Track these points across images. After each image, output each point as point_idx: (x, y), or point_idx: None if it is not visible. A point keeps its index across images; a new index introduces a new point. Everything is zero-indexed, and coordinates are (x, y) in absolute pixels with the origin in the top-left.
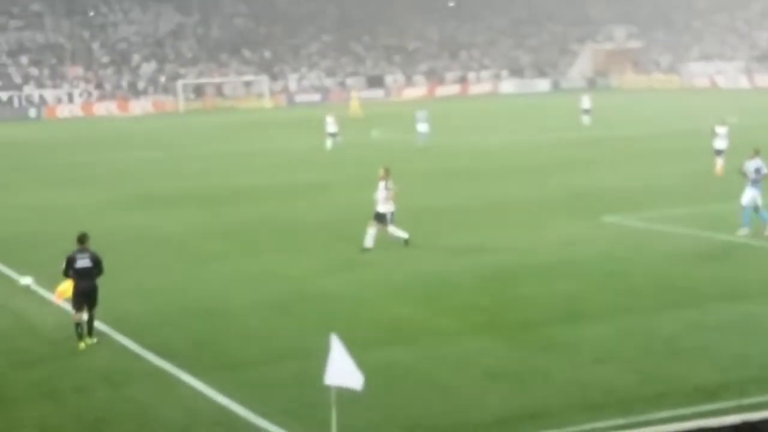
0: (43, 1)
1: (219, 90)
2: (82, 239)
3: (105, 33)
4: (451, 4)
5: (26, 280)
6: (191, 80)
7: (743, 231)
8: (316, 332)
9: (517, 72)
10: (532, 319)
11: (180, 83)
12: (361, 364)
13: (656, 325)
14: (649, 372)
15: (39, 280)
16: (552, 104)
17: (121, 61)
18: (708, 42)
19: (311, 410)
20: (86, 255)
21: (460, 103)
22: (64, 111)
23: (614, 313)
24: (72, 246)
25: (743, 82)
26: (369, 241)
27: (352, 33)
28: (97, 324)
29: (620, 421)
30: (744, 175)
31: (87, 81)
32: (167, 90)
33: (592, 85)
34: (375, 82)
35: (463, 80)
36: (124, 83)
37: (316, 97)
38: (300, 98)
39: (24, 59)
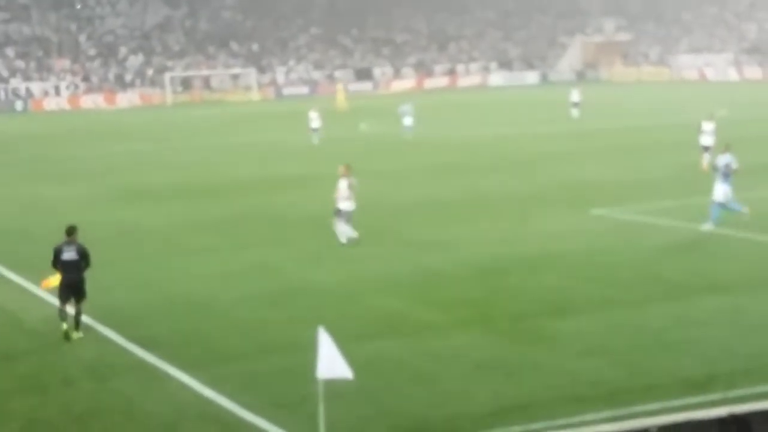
0: None
1: (206, 83)
2: (69, 231)
3: (92, 25)
4: None
5: None
6: (179, 73)
7: (708, 226)
8: (305, 325)
9: (505, 64)
10: (521, 311)
11: (167, 76)
12: (350, 357)
13: (644, 318)
14: (637, 364)
15: (26, 274)
16: (541, 97)
17: (108, 53)
18: (697, 34)
19: (299, 403)
20: (73, 247)
21: (449, 96)
22: (50, 104)
23: (602, 305)
24: (59, 239)
25: (732, 75)
26: (342, 237)
27: (341, 25)
28: (84, 317)
29: (608, 414)
30: (715, 170)
31: (74, 74)
32: (154, 83)
33: (581, 77)
34: (363, 74)
35: (451, 73)
36: (111, 76)
37: (304, 89)
38: (288, 91)
39: (10, 52)
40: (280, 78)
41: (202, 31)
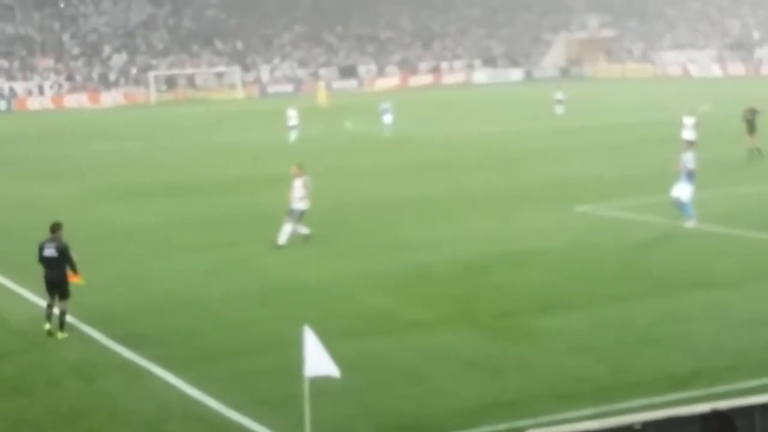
0: None
1: (191, 81)
2: (53, 228)
3: (75, 24)
4: None
5: None
6: (163, 72)
7: (691, 222)
8: (291, 324)
9: (490, 62)
10: (507, 308)
11: (151, 75)
12: (337, 355)
13: (630, 314)
14: (622, 361)
15: (11, 274)
16: (525, 94)
17: (91, 52)
18: (680, 30)
19: (285, 402)
20: (53, 244)
21: (434, 93)
22: (34, 103)
23: (588, 302)
24: (44, 239)
25: (715, 71)
26: (303, 230)
27: (325, 23)
28: (69, 317)
29: (594, 410)
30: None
31: (57, 73)
32: (138, 82)
33: (565, 74)
34: (348, 72)
35: (436, 70)
36: (95, 75)
37: (288, 87)
38: (272, 89)
39: None
40: (265, 76)
41: (186, 29)
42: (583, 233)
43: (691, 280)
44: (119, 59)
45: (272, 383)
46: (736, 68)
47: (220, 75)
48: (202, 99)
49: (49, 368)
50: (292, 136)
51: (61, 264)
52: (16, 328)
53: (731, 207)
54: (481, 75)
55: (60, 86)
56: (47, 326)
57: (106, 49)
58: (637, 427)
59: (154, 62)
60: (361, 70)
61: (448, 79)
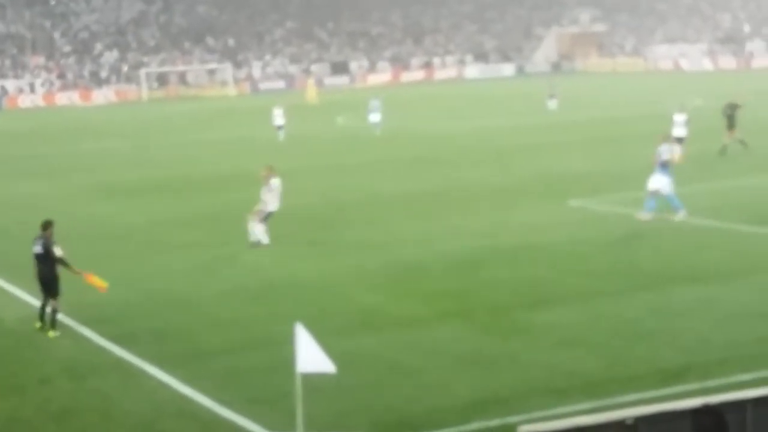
0: None
1: (182, 78)
2: (43, 226)
3: (66, 22)
4: None
5: None
6: (154, 69)
7: (681, 215)
8: (283, 321)
9: (481, 57)
10: (499, 303)
11: (143, 72)
12: (329, 352)
13: (621, 309)
14: (614, 355)
15: (2, 273)
16: (517, 89)
17: (83, 50)
18: (672, 24)
19: (278, 399)
20: (41, 241)
21: (425, 89)
22: (25, 101)
23: (580, 296)
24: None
25: (707, 65)
26: (254, 236)
27: (316, 19)
28: (61, 315)
29: (586, 405)
30: (655, 161)
31: (48, 70)
32: (130, 79)
33: (556, 69)
34: (339, 68)
35: (427, 66)
36: (86, 72)
37: (280, 84)
38: (264, 85)
39: None
40: (257, 73)
41: (177, 26)
42: (576, 228)
43: (682, 275)
44: (110, 56)
45: (265, 381)
46: (727, 62)
47: (211, 72)
48: (193, 96)
49: (41, 367)
50: (281, 135)
51: (49, 261)
52: (8, 327)
53: (721, 200)
54: (473, 70)
55: (51, 84)
56: (37, 324)
57: (98, 47)
58: (630, 421)
59: (145, 59)
60: (353, 66)
61: (439, 74)
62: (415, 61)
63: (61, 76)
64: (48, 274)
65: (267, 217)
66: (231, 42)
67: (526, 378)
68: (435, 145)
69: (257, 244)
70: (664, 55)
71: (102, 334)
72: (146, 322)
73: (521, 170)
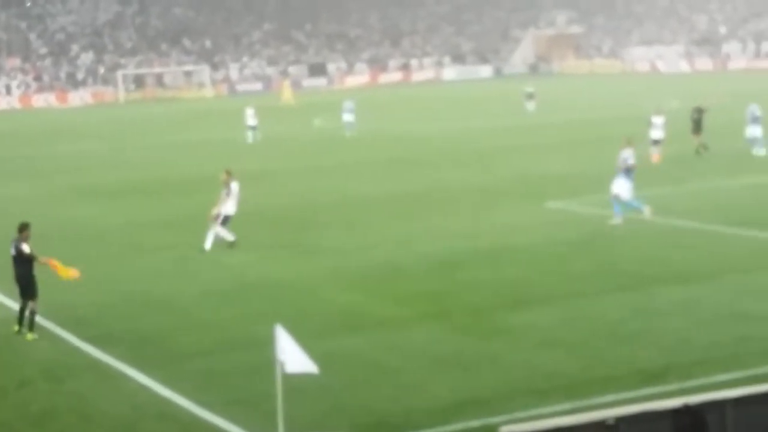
0: None
1: (159, 80)
2: (20, 228)
3: (42, 23)
4: None
5: None
6: (131, 70)
7: (617, 220)
8: (263, 322)
9: (459, 58)
10: (479, 304)
11: (120, 74)
12: (309, 353)
13: (601, 310)
14: (594, 356)
15: None
16: (494, 90)
17: (59, 51)
18: (648, 26)
19: (258, 401)
20: (14, 244)
21: (403, 90)
22: (1, 103)
23: (560, 297)
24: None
25: (683, 66)
26: (229, 235)
27: (293, 21)
28: (39, 318)
29: (566, 406)
30: (618, 165)
31: (25, 73)
32: (107, 81)
33: (534, 70)
34: (317, 70)
35: (405, 67)
36: (63, 74)
37: (257, 86)
38: (242, 87)
39: None
40: (234, 74)
41: (153, 27)
42: (556, 229)
43: (661, 275)
44: (87, 58)
45: (245, 382)
46: (704, 63)
47: (188, 74)
48: (170, 98)
49: (19, 369)
50: (251, 136)
51: (24, 263)
52: None
53: (699, 202)
54: (451, 72)
55: (27, 86)
56: (16, 327)
57: (74, 49)
58: (610, 422)
59: (122, 61)
60: (331, 67)
61: (417, 76)
62: (393, 63)
63: (38, 78)
64: (21, 275)
65: (225, 221)
66: (208, 44)
67: (507, 379)
68: (413, 146)
69: (232, 244)
70: (640, 57)
71: (80, 336)
72: (125, 324)
73: (500, 172)
